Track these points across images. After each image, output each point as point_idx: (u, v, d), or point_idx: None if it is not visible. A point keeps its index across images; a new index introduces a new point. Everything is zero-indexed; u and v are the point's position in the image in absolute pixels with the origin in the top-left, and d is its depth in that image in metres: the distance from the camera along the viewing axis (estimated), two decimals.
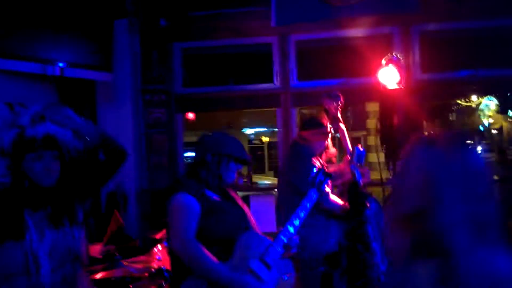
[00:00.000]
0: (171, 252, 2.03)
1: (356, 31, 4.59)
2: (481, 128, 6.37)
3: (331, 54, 4.79)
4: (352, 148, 3.08)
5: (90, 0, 4.03)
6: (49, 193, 1.83)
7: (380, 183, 4.04)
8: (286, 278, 2.07)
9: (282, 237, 2.03)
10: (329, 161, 3.57)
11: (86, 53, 3.98)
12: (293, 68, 4.78)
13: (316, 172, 2.21)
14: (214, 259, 1.89)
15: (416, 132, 3.92)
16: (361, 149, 3.06)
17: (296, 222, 2.07)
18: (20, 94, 3.76)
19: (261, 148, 23.47)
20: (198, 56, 5.04)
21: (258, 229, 2.14)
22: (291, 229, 2.05)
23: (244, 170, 5.11)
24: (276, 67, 4.80)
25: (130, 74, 4.63)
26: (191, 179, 2.07)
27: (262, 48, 4.91)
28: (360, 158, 2.98)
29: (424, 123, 4.44)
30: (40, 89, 3.98)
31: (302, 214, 2.10)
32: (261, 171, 23.11)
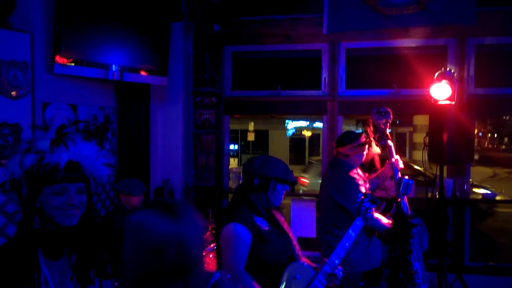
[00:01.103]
0: None
1: (409, 41, 4.55)
2: None
3: (382, 64, 4.76)
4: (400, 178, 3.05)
5: (149, 4, 4.20)
6: (71, 236, 1.41)
7: (425, 197, 4.04)
8: None
9: (326, 268, 2.11)
10: (371, 162, 3.56)
11: (144, 58, 4.16)
12: (342, 75, 4.79)
13: (362, 199, 2.24)
14: None
15: (466, 148, 3.86)
16: (408, 178, 3.04)
17: (342, 253, 2.14)
18: (81, 95, 4.01)
19: (302, 141, 23.51)
20: (248, 60, 5.15)
21: (301, 255, 2.22)
22: (336, 261, 2.12)
23: None
24: (325, 74, 4.82)
25: (183, 76, 4.80)
26: (242, 204, 2.14)
27: (311, 55, 4.94)
28: (407, 188, 2.97)
29: (475, 139, 4.34)
30: (99, 90, 4.21)
31: (347, 244, 2.16)
32: (301, 163, 23.19)
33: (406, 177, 3.07)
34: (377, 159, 3.51)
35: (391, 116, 3.38)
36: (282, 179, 2.14)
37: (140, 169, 4.68)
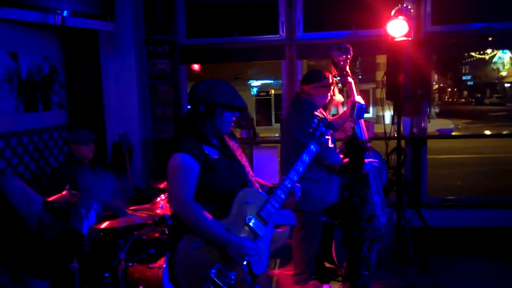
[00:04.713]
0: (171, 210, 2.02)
1: None
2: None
3: (339, 5, 4.64)
4: (354, 103, 3.01)
5: None
6: None
7: (384, 136, 4.06)
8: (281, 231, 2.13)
9: (279, 192, 2.05)
10: (335, 110, 3.52)
11: (88, 2, 3.89)
12: (300, 19, 4.65)
13: (317, 123, 2.17)
14: (212, 220, 1.89)
15: (422, 85, 3.87)
16: (362, 103, 3.01)
17: (295, 177, 2.08)
18: (23, 43, 3.73)
19: (268, 100, 23.38)
20: (202, 5, 4.90)
21: (255, 182, 2.14)
22: (289, 184, 2.07)
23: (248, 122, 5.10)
24: (282, 18, 4.68)
25: (133, 24, 4.54)
26: (188, 133, 2.00)
27: None
28: (360, 113, 2.93)
29: (433, 76, 4.36)
30: (43, 38, 3.93)
31: (300, 169, 2.10)
32: (267, 123, 23.12)
33: (361, 102, 3.04)
34: (340, 107, 3.47)
35: (351, 52, 3.31)
36: (229, 105, 1.99)
37: (94, 123, 4.48)
